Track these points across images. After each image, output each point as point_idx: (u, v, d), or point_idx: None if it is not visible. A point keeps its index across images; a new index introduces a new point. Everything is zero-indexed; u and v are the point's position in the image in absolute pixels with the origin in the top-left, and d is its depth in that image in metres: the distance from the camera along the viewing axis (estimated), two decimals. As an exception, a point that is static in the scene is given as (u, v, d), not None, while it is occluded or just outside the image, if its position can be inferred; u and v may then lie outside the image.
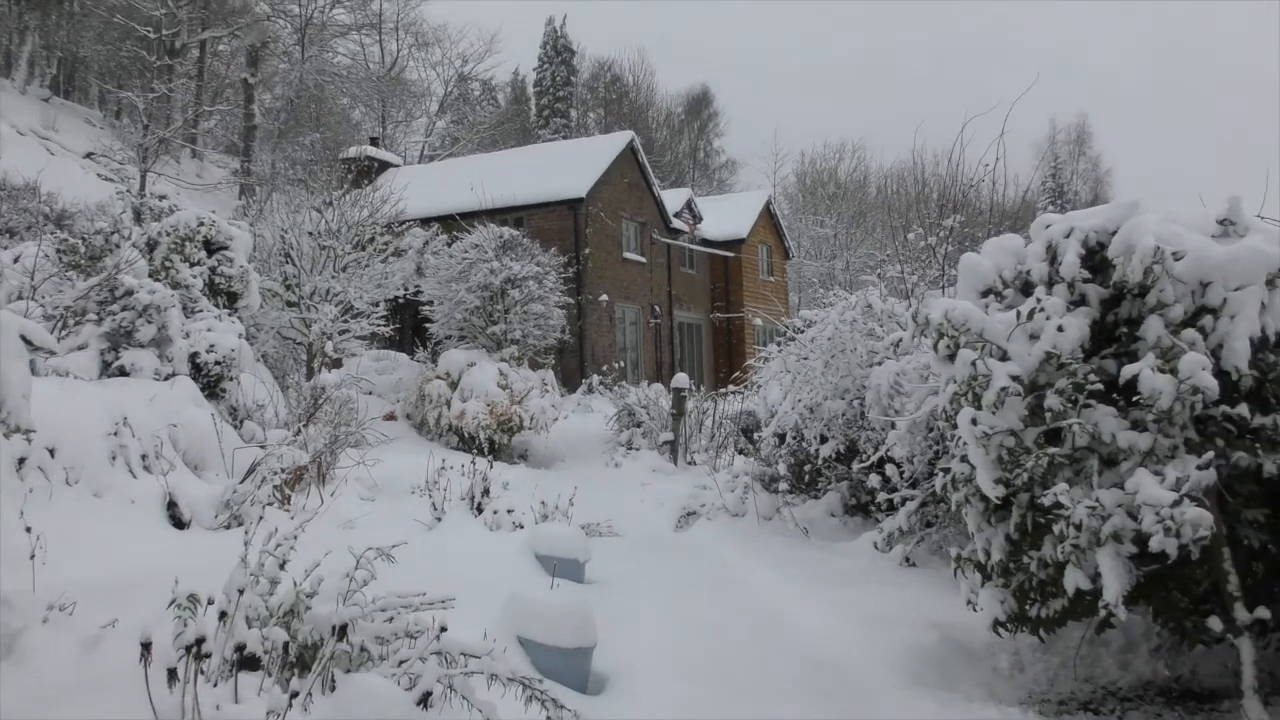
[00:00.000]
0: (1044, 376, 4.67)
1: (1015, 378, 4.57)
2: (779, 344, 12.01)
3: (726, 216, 33.11)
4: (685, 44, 75.23)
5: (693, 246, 30.62)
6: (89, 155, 32.48)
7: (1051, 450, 4.38)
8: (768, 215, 34.69)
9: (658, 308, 28.20)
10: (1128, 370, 4.41)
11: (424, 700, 3.29)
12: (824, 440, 9.81)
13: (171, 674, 3.18)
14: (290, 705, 2.95)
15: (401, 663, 3.77)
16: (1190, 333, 4.48)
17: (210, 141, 42.12)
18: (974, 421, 4.54)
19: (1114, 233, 4.90)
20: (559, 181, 24.82)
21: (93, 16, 35.88)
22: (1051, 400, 4.49)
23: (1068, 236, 4.98)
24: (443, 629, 3.71)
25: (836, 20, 78.04)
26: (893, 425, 8.65)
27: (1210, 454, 4.16)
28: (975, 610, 5.14)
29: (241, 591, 3.59)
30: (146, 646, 3.04)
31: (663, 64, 79.75)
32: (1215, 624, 4.49)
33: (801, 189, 55.67)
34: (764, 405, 11.55)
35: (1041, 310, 4.67)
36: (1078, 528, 4.22)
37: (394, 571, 5.15)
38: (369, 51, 48.64)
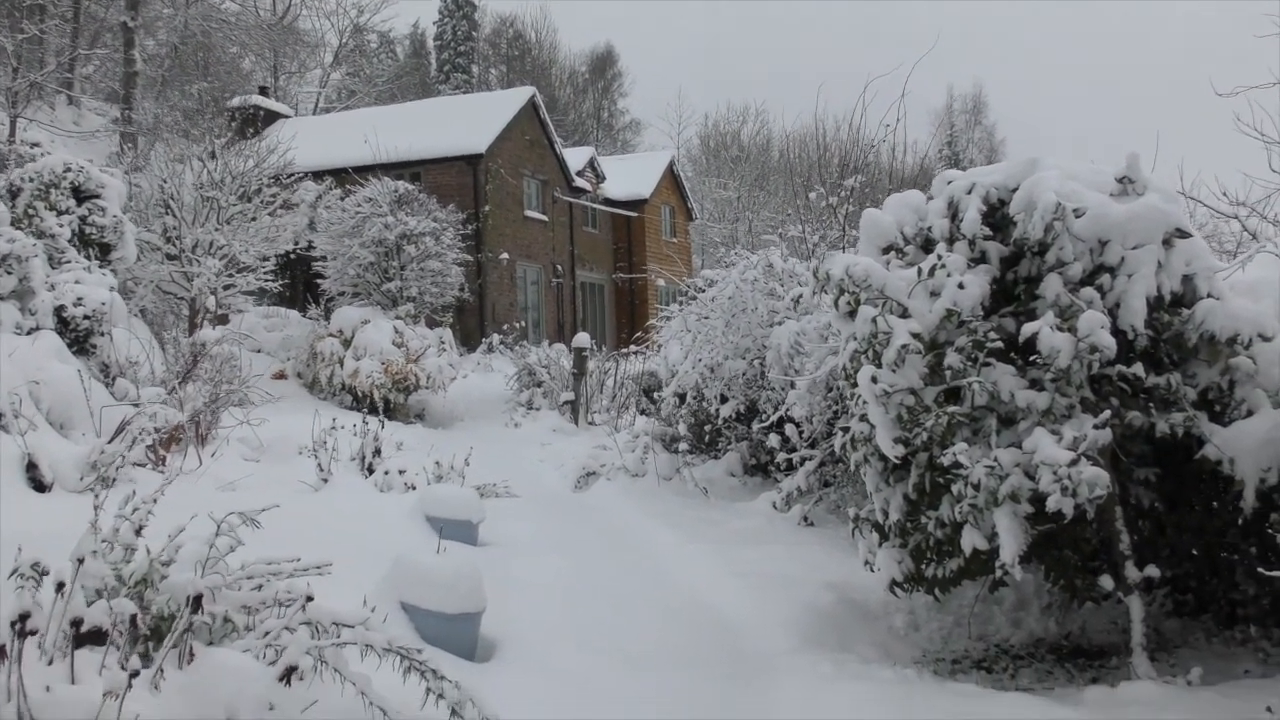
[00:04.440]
0: (944, 334, 4.59)
1: (916, 335, 4.48)
2: (680, 303, 11.88)
3: (630, 176, 32.80)
4: (589, 3, 74.20)
5: (595, 206, 30.27)
6: (-48, 98, 30.43)
7: (951, 409, 4.30)
8: (671, 176, 34.50)
9: (560, 267, 27.85)
10: (1027, 329, 4.35)
11: (286, 676, 3.03)
12: (724, 400, 9.72)
13: (1, 651, 2.86)
14: (130, 685, 2.66)
15: (266, 633, 3.49)
16: (1089, 291, 4.45)
17: (89, 88, 39.77)
18: (874, 380, 4.44)
19: (1015, 190, 4.84)
20: (458, 136, 24.15)
21: (-44, -50, 33.48)
22: (952, 359, 4.42)
23: (969, 192, 4.89)
24: (308, 598, 3.45)
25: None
26: (792, 385, 8.60)
27: (1107, 413, 4.13)
28: (873, 571, 5.09)
29: (81, 561, 3.27)
30: (-34, 625, 2.71)
31: (566, 22, 78.49)
32: (1107, 582, 4.51)
33: (705, 151, 55.60)
34: (665, 365, 11.42)
35: (943, 267, 4.58)
36: (975, 487, 4.16)
37: (272, 536, 4.83)
38: (259, -1, 46.57)
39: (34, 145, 14.42)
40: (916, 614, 5.54)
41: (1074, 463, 3.96)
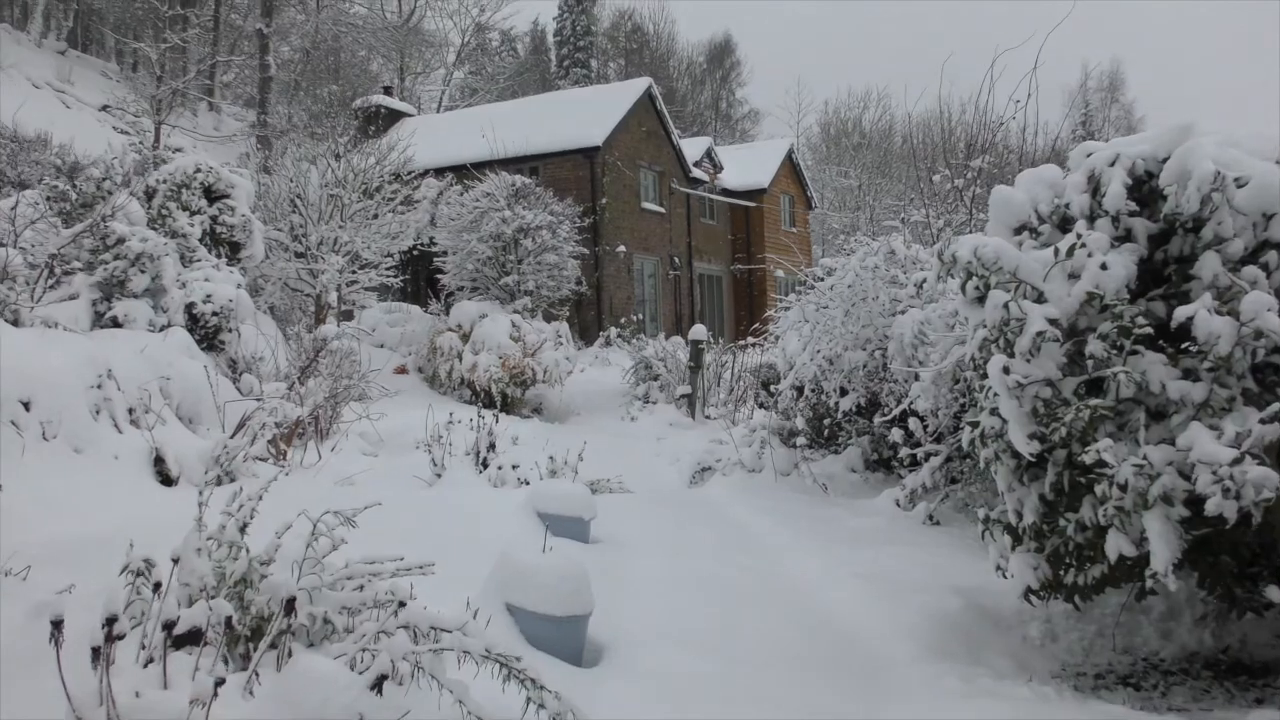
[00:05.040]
0: (1085, 320, 4.19)
1: (1053, 321, 4.10)
2: (799, 293, 11.53)
3: (748, 166, 32.37)
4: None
5: (713, 196, 29.96)
6: (104, 108, 32.09)
7: (1094, 402, 3.91)
8: (790, 165, 33.92)
9: (677, 259, 27.65)
10: (1181, 312, 3.92)
11: (378, 684, 2.91)
12: (844, 393, 9.36)
13: (96, 653, 2.81)
14: (215, 694, 2.57)
15: (363, 637, 3.39)
16: (1252, 270, 3.99)
17: (228, 95, 41.53)
18: (1006, 370, 4.08)
19: (1164, 160, 4.39)
20: (574, 129, 24.21)
21: (106, -33, 35.36)
22: (1094, 346, 4.02)
23: (1112, 165, 4.47)
24: (401, 603, 3.32)
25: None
26: (916, 377, 8.20)
27: (1277, 405, 3.68)
28: (1005, 577, 4.71)
29: (176, 560, 3.22)
30: (57, 625, 2.66)
31: (684, 11, 78.05)
32: (1275, 593, 4.05)
33: (825, 139, 54.62)
34: (782, 357, 11.09)
35: (1083, 246, 4.18)
36: (1122, 488, 3.77)
37: (381, 532, 4.78)
38: (385, 1, 47.79)
39: (177, 150, 15.01)
40: (1053, 623, 5.13)
41: (1237, 461, 3.54)
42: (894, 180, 43.51)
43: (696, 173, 28.73)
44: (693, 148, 29.72)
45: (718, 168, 30.64)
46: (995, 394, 4.24)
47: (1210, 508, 3.57)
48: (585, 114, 25.23)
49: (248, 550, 3.67)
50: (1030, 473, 4.50)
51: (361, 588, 3.90)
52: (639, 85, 26.86)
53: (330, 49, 41.18)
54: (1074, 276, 4.18)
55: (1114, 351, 3.99)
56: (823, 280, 10.31)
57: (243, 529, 3.96)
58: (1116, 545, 3.93)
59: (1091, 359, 4.03)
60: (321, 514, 3.80)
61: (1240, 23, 72.76)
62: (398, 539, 5.60)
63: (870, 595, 5.70)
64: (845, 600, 5.80)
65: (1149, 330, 3.96)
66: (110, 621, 2.63)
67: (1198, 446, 3.68)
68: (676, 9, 65.85)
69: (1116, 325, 3.97)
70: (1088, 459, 3.86)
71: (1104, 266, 4.10)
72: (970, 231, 10.15)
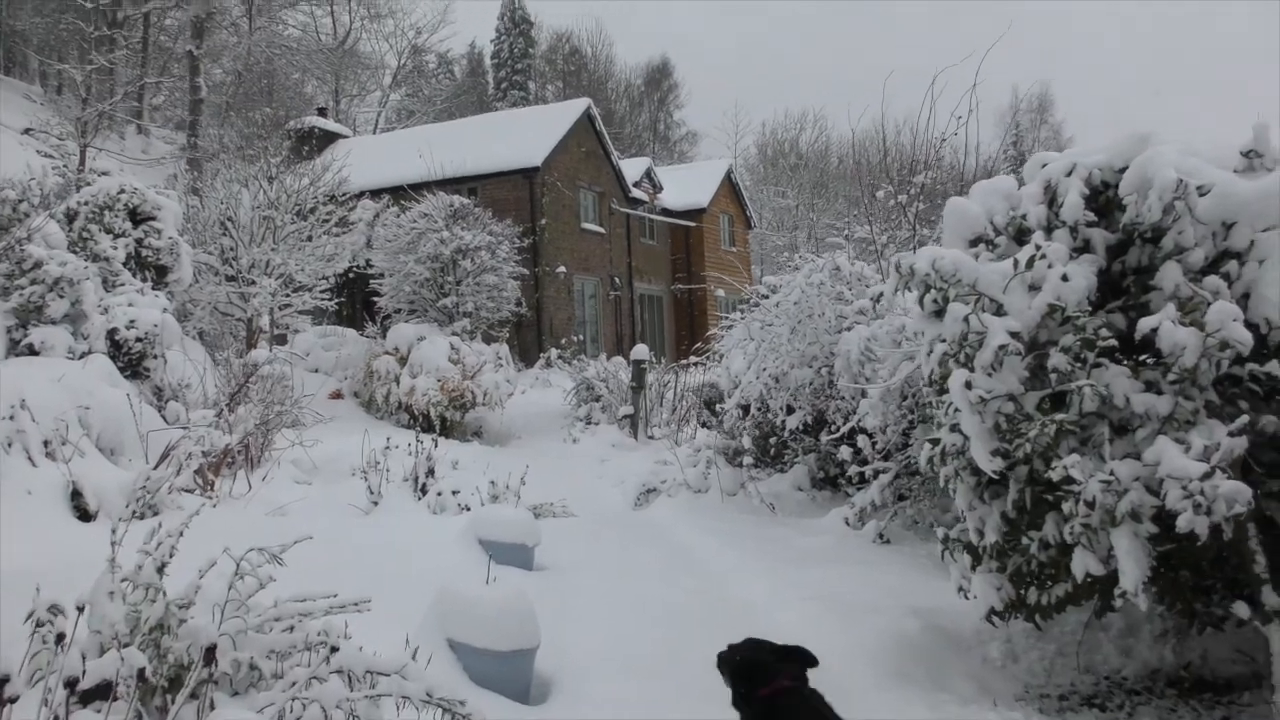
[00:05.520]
0: (1046, 333, 4.08)
1: (1014, 334, 3.98)
2: (741, 311, 11.41)
3: (687, 186, 32.41)
4: (644, 15, 74.12)
5: (653, 216, 29.91)
6: (27, 131, 31.05)
7: (1059, 417, 3.78)
8: (729, 184, 34.04)
9: (617, 279, 27.51)
10: (1145, 324, 3.82)
11: (306, 739, 2.65)
12: (790, 411, 9.23)
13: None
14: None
15: (293, 684, 3.12)
16: (1213, 280, 3.91)
17: (157, 118, 40.52)
18: (968, 385, 3.94)
19: (1121, 170, 4.31)
20: (513, 150, 23.99)
21: (28, -15, 34.35)
22: (1057, 359, 3.90)
23: (1069, 175, 4.38)
24: (333, 649, 3.06)
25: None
26: (863, 394, 8.10)
27: (1244, 418, 3.59)
28: (967, 598, 4.57)
29: (81, 609, 2.93)
30: (-60, 684, 2.36)
31: (621, 36, 78.55)
32: (1242, 610, 3.95)
33: (763, 160, 55.06)
34: (727, 376, 10.95)
35: (1043, 258, 4.07)
36: (1090, 505, 3.64)
37: (315, 566, 4.50)
38: (320, 23, 47.22)
39: (103, 173, 14.47)
40: (1014, 642, 5.00)
41: (1208, 475, 3.43)
42: (832, 199, 43.94)
43: (636, 193, 28.66)
44: (632, 168, 29.66)
45: (657, 188, 30.61)
46: (956, 410, 4.10)
47: (1182, 524, 3.45)
48: (524, 134, 25.03)
49: (164, 593, 3.37)
50: (991, 490, 4.37)
51: (291, 629, 3.63)
52: (578, 106, 26.76)
53: (264, 71, 40.42)
54: (1034, 288, 4.07)
55: (1077, 365, 3.87)
56: (767, 298, 10.20)
57: (161, 569, 3.66)
58: (1084, 564, 3.80)
59: (1055, 372, 3.91)
60: (246, 551, 3.51)
61: (1165, 44, 75.14)
62: (332, 573, 5.30)
63: (823, 617, 5.53)
64: (797, 623, 5.60)
65: (1113, 342, 3.85)
66: (1, 683, 2.34)
67: (1166, 461, 3.57)
68: (614, 32, 66.10)
69: (1079, 338, 3.86)
70: (1054, 475, 3.73)
71: (1065, 278, 3.99)
72: (914, 247, 10.12)
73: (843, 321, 8.99)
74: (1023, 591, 4.39)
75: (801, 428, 9.24)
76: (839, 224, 23.37)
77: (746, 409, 9.97)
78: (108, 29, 33.62)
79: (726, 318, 12.29)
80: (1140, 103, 62.26)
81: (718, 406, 12.24)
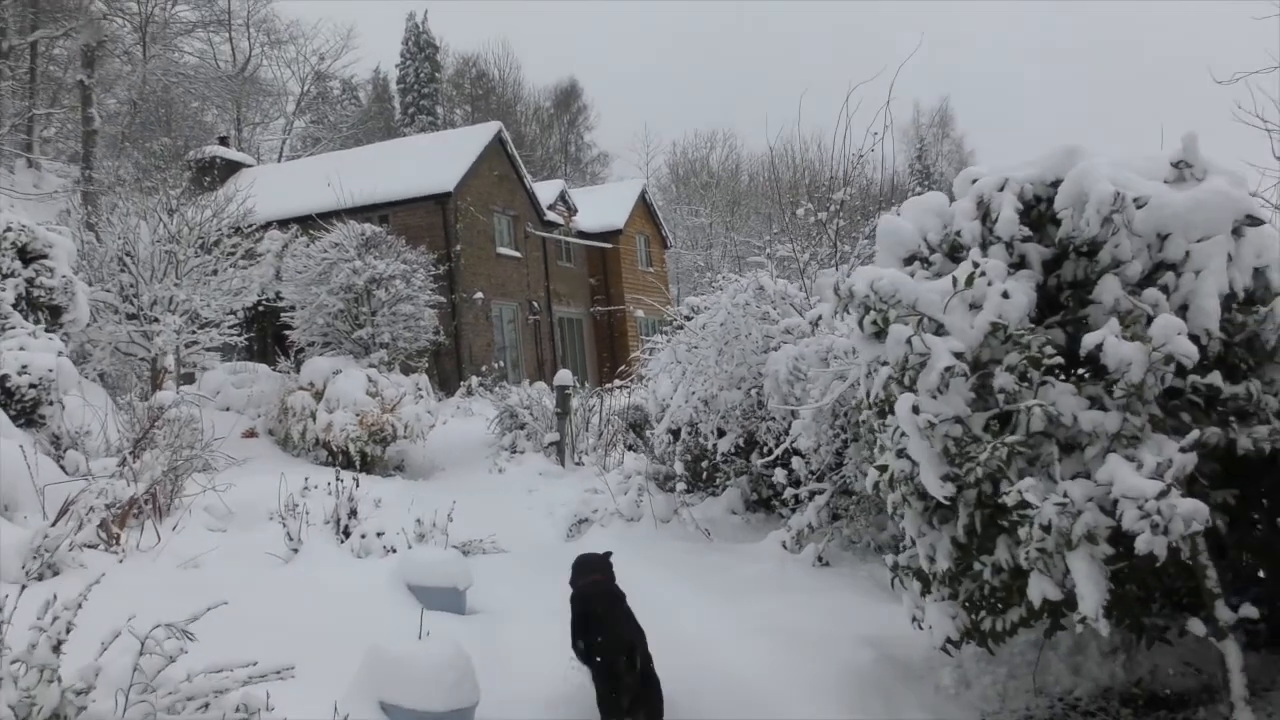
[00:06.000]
0: (989, 352, 4.00)
1: (958, 355, 3.88)
2: (666, 334, 11.27)
3: (602, 208, 32.32)
4: (549, 38, 74.20)
5: (569, 239, 29.72)
6: (-96, 167, 29.61)
7: (1010, 439, 3.69)
8: (644, 205, 34.06)
9: (536, 304, 27.23)
10: (1089, 339, 3.76)
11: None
12: (721, 434, 9.11)
13: None
14: None
15: (211, 773, 2.83)
16: (1152, 293, 3.87)
17: (49, 150, 38.98)
18: (915, 410, 3.83)
19: (1053, 184, 4.28)
20: (425, 176, 23.60)
21: (-94, 16, 32.78)
22: (1003, 379, 3.82)
23: (1001, 189, 4.33)
24: (255, 735, 2.78)
25: (697, 8, 77.90)
26: (793, 414, 8.01)
27: (1195, 433, 3.54)
28: (921, 628, 4.45)
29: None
30: None
31: (528, 58, 78.36)
32: (1198, 627, 3.90)
33: (675, 179, 55.40)
34: (654, 400, 10.79)
35: (982, 275, 3.99)
36: (1045, 529, 3.54)
37: (231, 626, 4.19)
38: (219, 50, 46.06)
39: (-11, 211, 13.69)
40: (965, 668, 4.90)
41: (1164, 494, 3.36)
42: (745, 217, 44.34)
43: (551, 216, 28.45)
44: (546, 191, 29.46)
45: (572, 210, 30.46)
46: (903, 435, 3.99)
47: (1140, 545, 3.37)
48: (435, 160, 24.65)
49: (59, 678, 3.05)
50: (939, 514, 4.26)
51: (207, 706, 3.33)
52: (489, 129, 26.47)
53: (160, 100, 39.20)
54: (975, 307, 3.99)
55: (1024, 384, 3.79)
56: (690, 319, 10.08)
57: (57, 647, 3.33)
58: (1040, 589, 3.71)
59: (1001, 392, 3.82)
60: (152, 628, 3.21)
61: (1057, 55, 77.77)
62: (251, 633, 4.97)
63: (774, 651, 5.37)
64: (747, 657, 5.46)
65: (1059, 360, 3.78)
66: None
67: (1119, 480, 3.49)
68: (521, 55, 65.84)
69: (1025, 356, 3.78)
70: (1009, 500, 3.63)
71: (1006, 295, 3.92)
72: (835, 264, 10.11)
73: (769, 341, 8.92)
74: (975, 616, 4.29)
75: (733, 450, 9.11)
76: (757, 242, 23.49)
77: (676, 433, 9.82)
78: (-8, 59, 32.31)
79: (648, 339, 12.16)
80: (1032, 110, 64.39)
81: (645, 430, 12.06)
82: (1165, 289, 3.89)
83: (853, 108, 9.69)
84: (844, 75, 9.93)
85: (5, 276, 10.81)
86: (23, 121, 34.59)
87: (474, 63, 58.59)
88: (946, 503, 4.04)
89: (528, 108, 59.33)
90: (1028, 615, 4.06)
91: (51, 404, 9.53)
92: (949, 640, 4.24)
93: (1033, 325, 4.01)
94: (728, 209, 47.05)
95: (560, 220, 29.05)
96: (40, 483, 7.99)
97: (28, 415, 9.39)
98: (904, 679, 4.87)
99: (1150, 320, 3.73)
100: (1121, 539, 3.60)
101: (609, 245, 31.39)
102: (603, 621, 4.92)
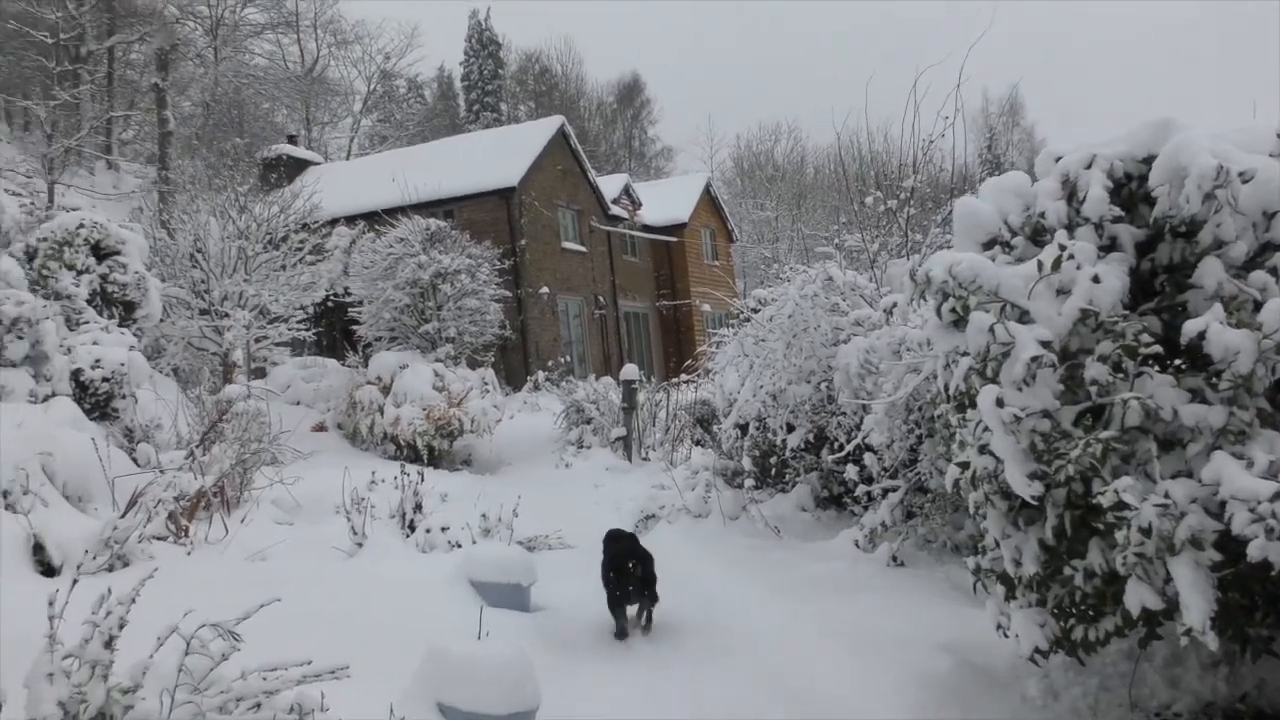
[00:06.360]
0: (1078, 341, 3.73)
1: (1045, 344, 3.63)
2: (732, 327, 11.05)
3: (666, 201, 32.11)
4: (612, 33, 74.09)
5: (634, 233, 29.59)
6: (-8, 170, 30.55)
7: (1104, 435, 3.43)
8: (708, 198, 33.77)
9: (601, 298, 27.15)
10: (1190, 326, 3.48)
11: None
12: (790, 429, 8.87)
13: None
14: None
15: (261, 780, 2.73)
16: (1260, 275, 3.58)
17: (127, 152, 40.00)
18: (1000, 403, 3.59)
19: (1146, 159, 3.99)
20: (489, 171, 23.62)
21: (-11, 26, 33.76)
22: (1095, 370, 3.55)
23: (1088, 167, 4.05)
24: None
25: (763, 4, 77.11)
26: (865, 409, 7.75)
27: (1315, 428, 3.24)
28: (1007, 636, 4.20)
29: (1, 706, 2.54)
30: None
31: (591, 53, 78.22)
32: (1312, 638, 3.59)
33: (739, 173, 54.95)
34: (721, 394, 10.59)
35: (1070, 258, 3.73)
36: (1144, 532, 3.28)
37: (292, 619, 4.12)
38: (287, 51, 46.81)
39: (73, 209, 14.01)
40: (1053, 678, 4.63)
41: (1278, 495, 3.09)
42: (811, 209, 43.80)
43: (615, 210, 28.34)
44: (610, 185, 29.35)
45: (636, 204, 30.31)
46: (986, 430, 3.75)
47: (1253, 551, 3.10)
48: (499, 155, 24.67)
49: (107, 675, 2.98)
50: (1025, 515, 4.01)
51: (259, 706, 3.23)
52: (552, 124, 26.43)
53: (232, 101, 40.01)
54: (1063, 292, 3.73)
55: (1118, 375, 3.53)
56: (758, 312, 9.85)
57: (109, 642, 3.26)
58: (1139, 596, 3.44)
59: (1093, 385, 3.56)
60: (197, 628, 3.12)
61: (1128, 44, 75.54)
62: (311, 627, 4.91)
63: (849, 655, 5.15)
64: (819, 660, 5.25)
65: (1157, 349, 3.51)
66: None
67: (1227, 480, 3.22)
68: (584, 50, 65.80)
69: (1119, 345, 3.51)
70: (1105, 500, 3.37)
71: (1096, 279, 3.65)
72: (906, 254, 9.80)
73: (839, 334, 8.66)
74: (1065, 624, 4.02)
75: (802, 445, 8.88)
76: (823, 233, 23.12)
77: (744, 428, 9.61)
78: (70, 64, 33.13)
79: (715, 333, 11.94)
80: (1104, 101, 62.56)
81: (712, 425, 11.87)
82: (1274, 271, 3.60)
83: (920, 94, 9.39)
84: (914, 64, 9.63)
85: (80, 273, 11.01)
86: (102, 124, 35.51)
87: (537, 59, 58.80)
88: (1033, 503, 3.79)
89: (591, 103, 59.34)
90: (1123, 624, 3.79)
91: (124, 398, 9.66)
92: (1037, 650, 3.98)
93: (1126, 312, 3.73)
94: (794, 202, 46.50)
95: (625, 214, 28.92)
96: (112, 475, 8.08)
97: (101, 409, 9.54)
98: (985, 688, 4.62)
99: (1258, 306, 3.44)
100: (1232, 546, 3.32)
101: (674, 239, 31.19)
102: (619, 550, 6.40)
